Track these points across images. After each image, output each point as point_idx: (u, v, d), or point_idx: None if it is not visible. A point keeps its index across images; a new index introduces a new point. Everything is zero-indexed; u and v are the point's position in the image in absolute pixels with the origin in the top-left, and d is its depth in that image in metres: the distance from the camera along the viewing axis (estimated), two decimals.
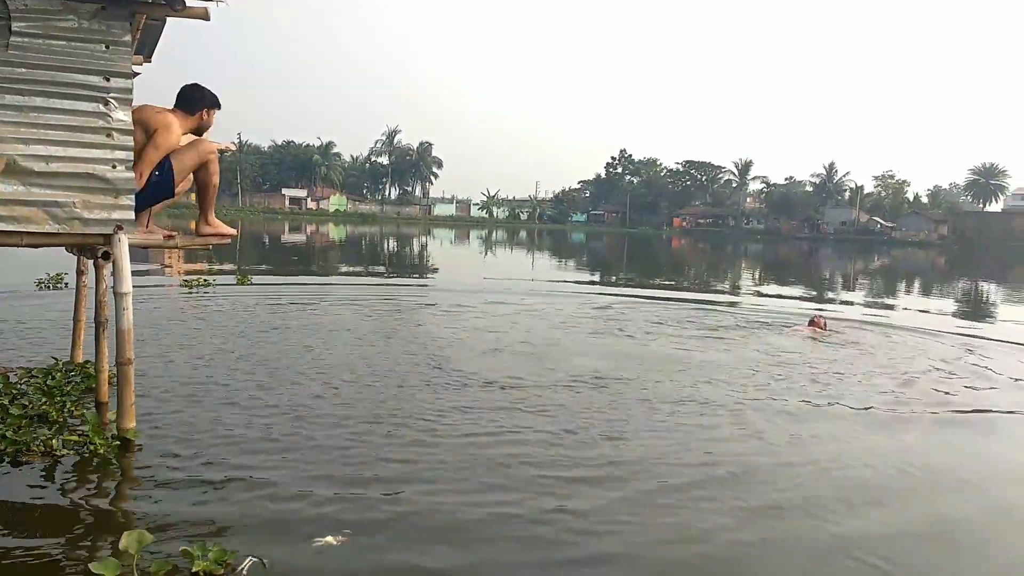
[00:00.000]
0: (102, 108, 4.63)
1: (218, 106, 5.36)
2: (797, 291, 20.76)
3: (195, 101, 5.24)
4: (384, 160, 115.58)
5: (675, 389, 7.14)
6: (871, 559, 3.77)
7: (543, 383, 7.11)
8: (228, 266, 18.65)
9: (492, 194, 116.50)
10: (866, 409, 6.72)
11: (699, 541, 3.94)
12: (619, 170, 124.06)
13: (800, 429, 6.03)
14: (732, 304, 15.85)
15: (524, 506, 4.22)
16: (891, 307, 17.35)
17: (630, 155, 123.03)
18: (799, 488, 4.77)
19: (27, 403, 5.21)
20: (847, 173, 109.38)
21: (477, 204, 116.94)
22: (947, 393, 7.55)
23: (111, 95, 4.64)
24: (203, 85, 5.31)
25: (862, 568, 3.69)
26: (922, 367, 8.82)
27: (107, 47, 4.60)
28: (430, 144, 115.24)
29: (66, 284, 11.71)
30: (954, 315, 16.08)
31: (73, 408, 5.38)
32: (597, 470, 4.87)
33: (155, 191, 5.12)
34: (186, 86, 5.27)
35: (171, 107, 5.20)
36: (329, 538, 3.59)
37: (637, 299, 15.26)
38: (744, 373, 8.02)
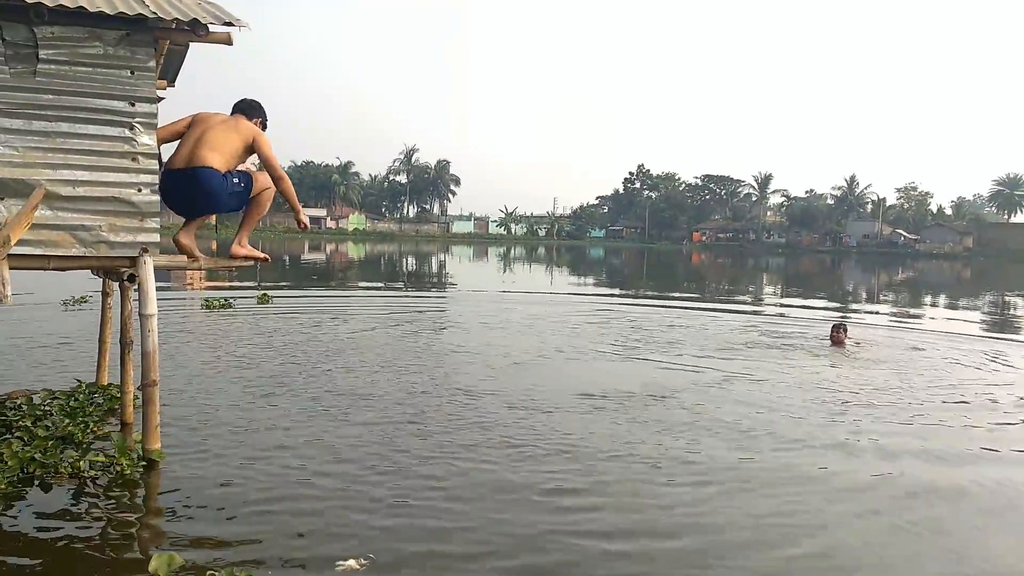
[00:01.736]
0: (127, 133, 4.70)
1: (265, 125, 5.64)
2: (829, 303, 20.52)
3: (254, 109, 5.55)
4: (402, 179, 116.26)
5: (729, 417, 6.60)
6: None
7: (579, 406, 6.86)
8: (249, 284, 18.79)
9: (510, 211, 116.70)
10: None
11: None
12: (637, 185, 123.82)
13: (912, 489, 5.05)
14: (758, 316, 15.66)
15: None
16: (924, 317, 17.14)
17: (648, 170, 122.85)
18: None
19: (50, 424, 5.25)
20: (869, 185, 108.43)
21: (495, 221, 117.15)
22: None
23: (136, 120, 4.71)
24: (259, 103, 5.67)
25: None
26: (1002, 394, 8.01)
27: (132, 73, 4.67)
28: (448, 162, 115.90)
29: (90, 304, 11.86)
30: (985, 325, 15.84)
31: (96, 429, 5.43)
32: (677, 535, 4.15)
33: (233, 199, 5.29)
34: (246, 99, 5.60)
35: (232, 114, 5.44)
36: (351, 562, 3.57)
37: (664, 310, 15.16)
38: (801, 399, 7.40)
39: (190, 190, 5.09)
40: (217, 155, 5.07)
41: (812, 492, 4.89)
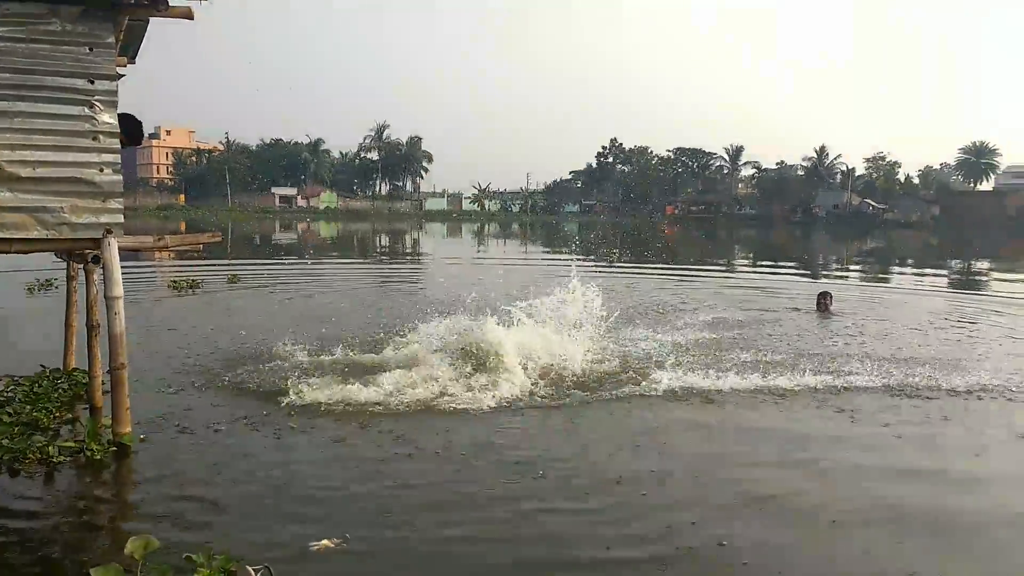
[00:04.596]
0: (87, 111, 4.59)
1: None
2: (807, 272, 20.80)
3: None
4: (374, 156, 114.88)
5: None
6: None
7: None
8: (219, 264, 18.52)
9: (483, 187, 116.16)
10: None
11: None
12: (610, 159, 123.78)
13: None
14: (733, 285, 15.75)
15: None
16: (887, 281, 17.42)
17: (621, 144, 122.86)
18: None
19: (12, 411, 5.18)
20: (838, 156, 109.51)
21: (468, 198, 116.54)
22: None
23: (96, 97, 4.60)
24: None
25: None
26: None
27: (91, 49, 4.56)
28: (419, 138, 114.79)
29: (56, 288, 11.63)
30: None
31: (61, 415, 5.36)
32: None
33: None
34: None
35: None
36: (325, 541, 3.58)
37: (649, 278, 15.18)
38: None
39: None
40: None
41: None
